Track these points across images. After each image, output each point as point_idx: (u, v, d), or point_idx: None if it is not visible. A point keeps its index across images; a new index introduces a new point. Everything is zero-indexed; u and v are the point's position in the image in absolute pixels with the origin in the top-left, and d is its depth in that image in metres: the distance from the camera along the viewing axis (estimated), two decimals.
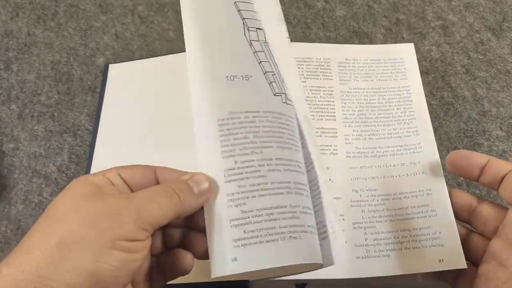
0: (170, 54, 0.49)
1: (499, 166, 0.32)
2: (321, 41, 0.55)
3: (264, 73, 0.33)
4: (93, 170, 0.42)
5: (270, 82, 0.33)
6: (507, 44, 0.54)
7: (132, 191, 0.29)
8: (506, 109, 0.49)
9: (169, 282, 0.31)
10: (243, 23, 0.33)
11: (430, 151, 0.40)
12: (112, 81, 0.48)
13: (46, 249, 0.24)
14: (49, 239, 0.24)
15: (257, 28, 0.34)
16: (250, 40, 0.33)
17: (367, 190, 0.38)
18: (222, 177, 0.30)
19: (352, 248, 0.36)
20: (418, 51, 0.49)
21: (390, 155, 0.40)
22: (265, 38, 0.34)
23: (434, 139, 0.40)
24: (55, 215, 0.26)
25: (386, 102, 0.43)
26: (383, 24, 0.56)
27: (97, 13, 0.58)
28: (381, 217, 0.37)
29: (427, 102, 0.43)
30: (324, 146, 0.41)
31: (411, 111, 0.42)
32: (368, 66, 0.45)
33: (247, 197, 0.29)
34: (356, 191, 0.38)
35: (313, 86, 0.44)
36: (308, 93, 0.43)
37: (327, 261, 0.31)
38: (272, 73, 0.33)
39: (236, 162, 0.30)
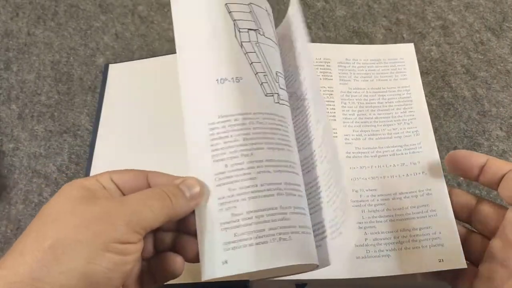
0: (170, 54, 0.49)
1: (498, 165, 0.32)
2: (321, 41, 0.55)
3: (255, 74, 0.32)
4: (93, 170, 0.42)
5: (262, 83, 0.32)
6: (507, 44, 0.54)
7: (124, 195, 0.29)
8: (506, 109, 0.49)
9: (169, 282, 0.31)
10: (234, 24, 0.33)
11: (430, 151, 0.40)
12: (112, 81, 0.48)
13: (40, 251, 0.24)
14: (42, 241, 0.24)
15: (248, 29, 0.33)
16: (241, 42, 0.33)
17: (367, 190, 0.38)
18: (213, 181, 0.30)
19: (352, 248, 0.36)
20: (418, 51, 0.49)
21: (390, 155, 0.40)
22: (257, 38, 0.34)
23: (434, 139, 0.40)
24: (49, 218, 0.26)
25: (386, 102, 0.43)
26: (383, 24, 0.56)
27: (97, 13, 0.58)
28: (381, 217, 0.37)
29: (427, 102, 0.43)
30: None
31: (411, 111, 0.42)
32: (368, 66, 0.45)
33: (237, 200, 0.29)
34: (356, 191, 0.38)
35: None
36: None
37: (326, 262, 0.31)
38: (264, 73, 0.33)
39: (226, 165, 0.30)
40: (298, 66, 0.38)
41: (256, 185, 0.29)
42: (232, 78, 0.32)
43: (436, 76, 0.52)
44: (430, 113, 0.42)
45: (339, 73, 0.45)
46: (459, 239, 0.35)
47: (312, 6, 0.58)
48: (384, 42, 0.55)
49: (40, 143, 0.48)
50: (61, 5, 0.59)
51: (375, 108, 0.43)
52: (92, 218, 0.26)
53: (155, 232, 0.31)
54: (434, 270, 0.34)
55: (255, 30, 0.34)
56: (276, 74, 0.34)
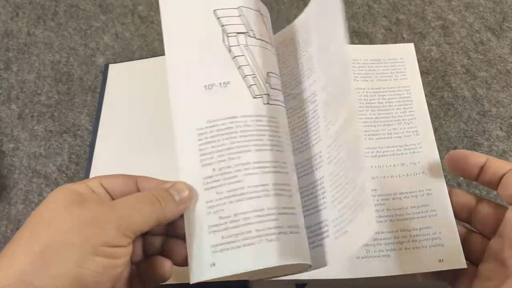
0: None
1: (498, 165, 0.32)
2: None
3: (244, 77, 0.33)
4: (93, 170, 0.42)
5: (250, 85, 0.33)
6: (507, 44, 0.54)
7: (114, 199, 0.29)
8: (506, 109, 0.49)
9: (169, 282, 0.31)
10: (222, 30, 0.34)
11: (430, 151, 0.40)
12: (112, 81, 0.48)
13: (30, 255, 0.24)
14: (33, 245, 0.25)
15: (237, 33, 0.34)
16: (229, 46, 0.34)
17: None
18: (201, 185, 0.31)
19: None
20: (418, 51, 0.49)
21: (390, 155, 0.40)
22: (246, 41, 0.34)
23: (434, 139, 0.40)
24: (39, 222, 0.26)
25: (386, 102, 0.43)
26: (383, 24, 0.56)
27: (97, 13, 0.58)
28: (381, 217, 0.37)
29: (427, 102, 0.43)
30: None
31: (411, 111, 0.42)
32: (368, 66, 0.45)
33: (225, 203, 0.30)
34: None
35: None
36: None
37: (327, 261, 0.31)
38: (253, 76, 0.33)
39: (214, 169, 0.31)
40: (307, 68, 0.38)
41: (243, 188, 0.30)
42: (220, 83, 0.33)
43: (436, 76, 0.52)
44: (430, 113, 0.42)
45: None
46: (459, 239, 0.34)
47: None
48: (384, 42, 0.55)
49: (40, 143, 0.48)
50: (61, 5, 0.59)
51: (375, 108, 0.43)
52: (82, 222, 0.26)
53: (144, 236, 0.31)
54: (434, 270, 0.34)
55: (244, 33, 0.34)
56: (268, 74, 0.34)
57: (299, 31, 0.41)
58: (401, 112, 0.42)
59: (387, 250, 0.35)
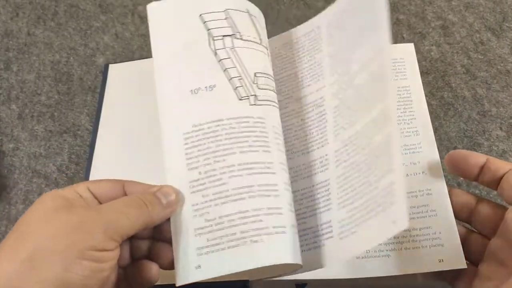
0: None
1: (498, 165, 0.32)
2: None
3: (229, 80, 0.33)
4: (93, 170, 0.42)
5: (236, 87, 0.33)
6: (507, 44, 0.54)
7: (101, 204, 0.30)
8: (506, 109, 0.49)
9: (168, 282, 0.31)
10: (208, 34, 0.34)
11: (430, 151, 0.40)
12: (112, 81, 0.48)
13: (17, 261, 0.24)
14: (19, 251, 0.25)
15: (223, 36, 0.34)
16: (215, 50, 0.34)
17: None
18: (187, 188, 0.31)
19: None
20: (418, 51, 0.49)
21: None
22: (232, 44, 0.34)
23: (434, 139, 0.40)
24: (26, 228, 0.26)
25: None
26: None
27: (97, 13, 0.58)
28: None
29: (427, 102, 0.43)
30: None
31: (411, 111, 0.42)
32: None
33: (210, 206, 0.30)
34: None
35: None
36: None
37: (330, 260, 0.32)
38: (239, 77, 0.34)
39: (200, 173, 0.31)
40: (314, 74, 0.39)
41: (228, 190, 0.30)
42: (206, 87, 0.33)
43: (436, 76, 0.52)
44: (430, 113, 0.42)
45: None
46: (459, 239, 0.34)
47: (312, 6, 0.58)
48: None
49: (40, 143, 0.48)
50: (61, 5, 0.59)
51: None
52: (68, 226, 0.26)
53: (132, 240, 0.31)
54: (434, 270, 0.34)
55: (230, 35, 0.35)
56: (255, 75, 0.34)
57: (305, 37, 0.41)
58: (401, 112, 0.42)
59: (387, 250, 0.35)
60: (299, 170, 0.36)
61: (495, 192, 0.33)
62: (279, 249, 0.30)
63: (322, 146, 0.36)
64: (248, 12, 0.36)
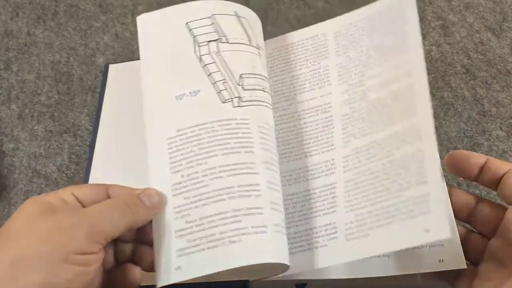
0: None
1: (497, 165, 0.32)
2: None
3: (213, 84, 0.34)
4: (93, 170, 0.42)
5: (220, 90, 0.34)
6: (507, 44, 0.54)
7: None
8: (506, 109, 0.49)
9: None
10: (194, 41, 0.35)
11: None
12: (112, 81, 0.48)
13: (0, 267, 0.24)
14: (3, 257, 0.25)
15: (208, 41, 0.35)
16: (200, 56, 0.35)
17: None
18: (170, 191, 0.32)
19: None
20: None
21: None
22: (218, 48, 0.35)
23: None
24: (9, 235, 0.26)
25: None
26: None
27: (97, 13, 0.58)
28: None
29: None
30: None
31: None
32: None
33: (191, 208, 0.31)
34: None
35: None
36: None
37: (331, 260, 0.32)
38: (223, 81, 0.34)
39: (182, 176, 0.32)
40: (318, 79, 0.39)
41: (209, 192, 0.31)
42: (190, 93, 0.34)
43: (436, 76, 0.52)
44: None
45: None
46: (459, 239, 0.34)
47: (312, 6, 0.58)
48: None
49: (40, 143, 0.48)
50: (61, 5, 0.59)
51: None
52: (52, 231, 0.26)
53: (116, 243, 0.32)
54: (434, 270, 0.34)
55: (216, 40, 0.35)
56: (240, 76, 0.35)
57: (308, 41, 0.41)
58: None
59: None
60: (302, 173, 0.37)
61: (495, 192, 0.33)
62: (258, 249, 0.30)
63: (328, 150, 0.36)
64: (236, 14, 0.37)
